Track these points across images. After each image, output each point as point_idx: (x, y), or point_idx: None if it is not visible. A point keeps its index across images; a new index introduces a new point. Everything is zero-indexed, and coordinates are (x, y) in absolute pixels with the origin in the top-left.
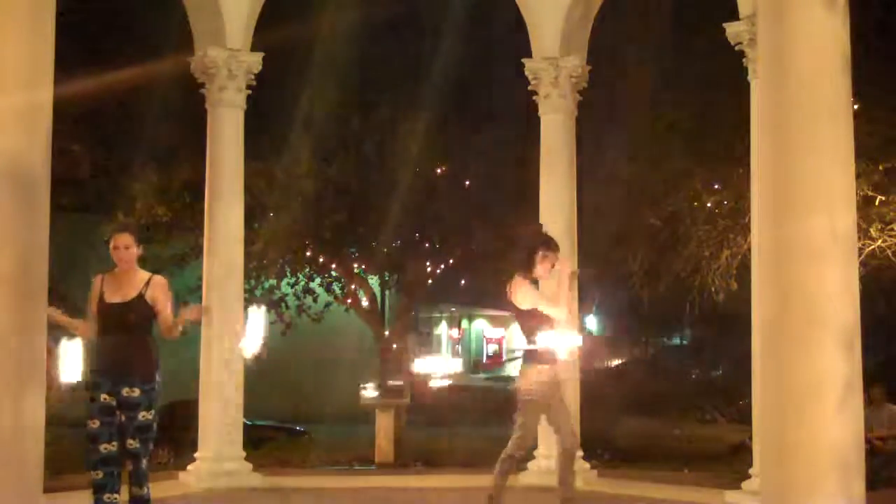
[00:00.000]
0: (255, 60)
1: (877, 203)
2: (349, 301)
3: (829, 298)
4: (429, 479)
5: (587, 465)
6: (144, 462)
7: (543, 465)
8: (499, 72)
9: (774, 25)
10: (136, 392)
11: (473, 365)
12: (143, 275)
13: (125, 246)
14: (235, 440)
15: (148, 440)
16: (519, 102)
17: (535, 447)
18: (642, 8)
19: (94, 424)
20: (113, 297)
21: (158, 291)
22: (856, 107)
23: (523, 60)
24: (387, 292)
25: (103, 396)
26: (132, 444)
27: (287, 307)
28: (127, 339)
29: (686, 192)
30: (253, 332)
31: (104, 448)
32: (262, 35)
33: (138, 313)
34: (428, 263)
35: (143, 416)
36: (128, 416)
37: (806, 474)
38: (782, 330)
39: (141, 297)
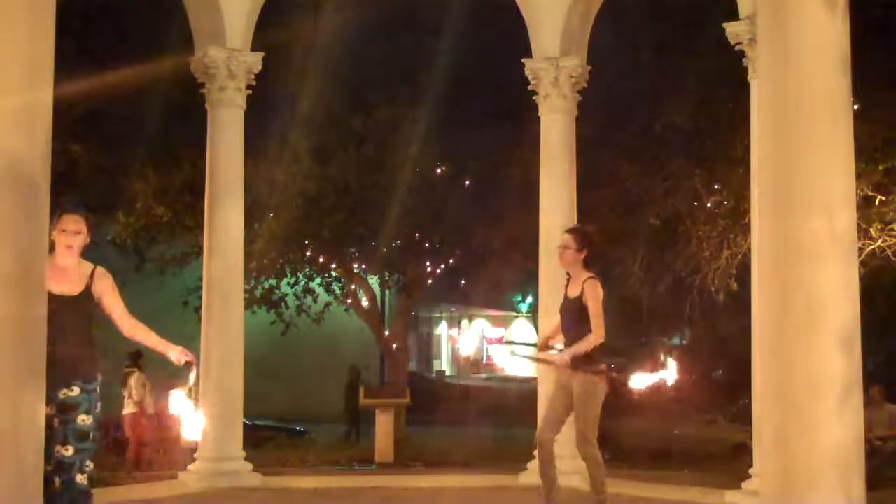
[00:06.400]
0: (255, 60)
1: (877, 203)
2: (349, 301)
3: (829, 298)
4: (429, 479)
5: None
6: (80, 478)
7: None
8: (499, 72)
9: (774, 25)
10: (76, 391)
11: (473, 364)
12: (86, 265)
13: (75, 231)
14: (235, 440)
15: (86, 451)
16: (519, 102)
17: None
18: (642, 7)
19: None
20: (56, 288)
21: (106, 286)
22: (856, 107)
23: (523, 60)
24: (387, 292)
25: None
26: (64, 451)
27: (287, 307)
28: (68, 337)
29: (686, 192)
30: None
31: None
32: (262, 35)
33: (84, 309)
34: (428, 263)
35: (81, 419)
36: (62, 420)
37: (806, 474)
38: (782, 330)
39: (87, 290)
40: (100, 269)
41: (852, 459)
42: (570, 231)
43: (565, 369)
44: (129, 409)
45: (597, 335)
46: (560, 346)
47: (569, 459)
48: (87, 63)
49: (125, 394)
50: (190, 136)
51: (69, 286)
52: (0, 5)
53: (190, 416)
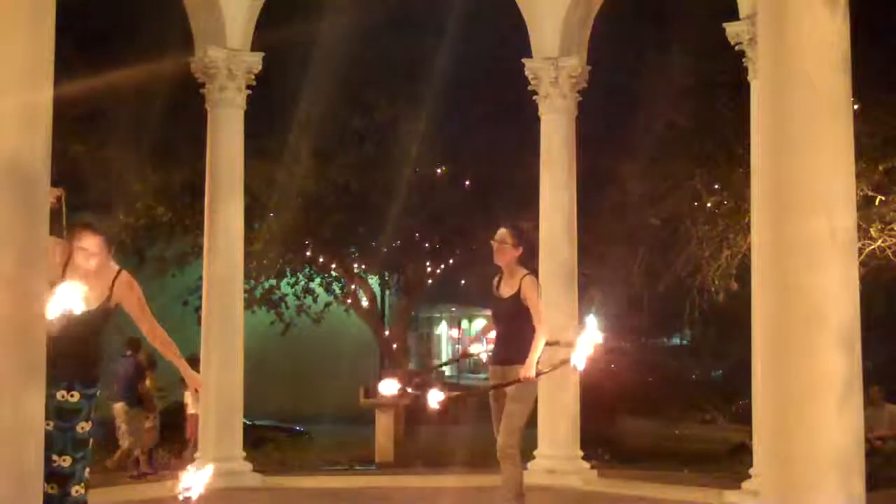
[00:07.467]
0: (255, 60)
1: (877, 203)
2: (349, 301)
3: (829, 298)
4: (429, 479)
5: (587, 465)
6: (76, 490)
7: (544, 464)
8: (498, 72)
9: (774, 25)
10: (76, 396)
11: (473, 364)
12: (109, 272)
13: (92, 253)
14: (235, 440)
15: (84, 459)
16: (519, 102)
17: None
18: (642, 7)
19: None
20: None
21: (126, 292)
22: (856, 107)
23: (523, 60)
24: (387, 292)
25: None
26: (62, 462)
27: (287, 307)
28: (74, 338)
29: (686, 192)
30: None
31: None
32: (262, 35)
33: (101, 318)
34: (428, 263)
35: (81, 426)
36: (61, 427)
37: (806, 474)
38: (782, 330)
39: (105, 302)
40: (123, 276)
41: (852, 459)
42: (507, 227)
43: (503, 375)
44: (193, 409)
45: (544, 332)
46: (481, 348)
47: (565, 460)
48: (87, 63)
49: (189, 396)
50: (190, 136)
51: (90, 293)
52: (1, 5)
53: None
